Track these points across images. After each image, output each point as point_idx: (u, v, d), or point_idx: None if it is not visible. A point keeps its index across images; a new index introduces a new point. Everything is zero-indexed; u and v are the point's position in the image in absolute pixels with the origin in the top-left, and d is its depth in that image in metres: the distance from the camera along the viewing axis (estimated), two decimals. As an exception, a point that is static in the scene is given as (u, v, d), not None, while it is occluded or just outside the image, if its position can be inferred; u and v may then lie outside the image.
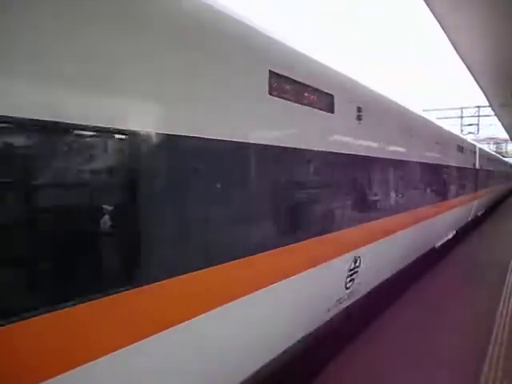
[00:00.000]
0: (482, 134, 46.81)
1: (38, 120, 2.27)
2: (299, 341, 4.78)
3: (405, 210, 8.30)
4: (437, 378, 5.45)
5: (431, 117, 12.80)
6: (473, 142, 19.39)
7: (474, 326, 7.18)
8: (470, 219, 18.08)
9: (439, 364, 5.78)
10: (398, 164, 8.09)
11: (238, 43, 3.80)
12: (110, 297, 2.63)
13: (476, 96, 23.88)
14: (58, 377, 2.33)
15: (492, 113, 28.32)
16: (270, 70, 3.96)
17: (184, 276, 3.16)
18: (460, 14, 9.97)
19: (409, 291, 9.28)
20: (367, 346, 6.35)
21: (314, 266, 4.66)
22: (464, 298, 8.68)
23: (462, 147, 14.94)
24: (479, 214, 21.29)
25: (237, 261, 3.64)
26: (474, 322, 7.37)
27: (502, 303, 8.32)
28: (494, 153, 35.60)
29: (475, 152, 18.40)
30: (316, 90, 4.68)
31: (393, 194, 7.94)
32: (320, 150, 4.86)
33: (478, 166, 18.75)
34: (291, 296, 4.39)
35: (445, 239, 13.13)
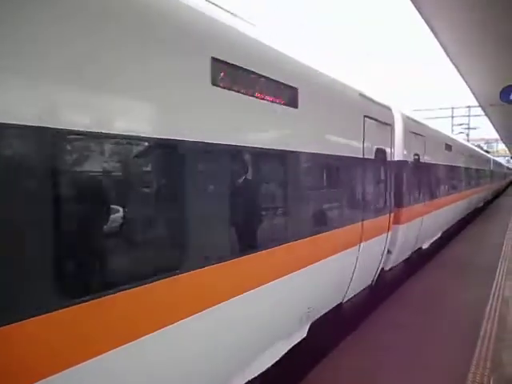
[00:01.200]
0: (474, 134, 47.22)
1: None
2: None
3: None
4: (426, 373, 5.50)
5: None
6: (377, 100, 7.78)
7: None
8: (389, 267, 8.74)
9: (428, 359, 5.84)
10: None
11: None
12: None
13: (467, 96, 22.79)
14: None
15: (483, 113, 28.54)
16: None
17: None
18: (447, 15, 10.07)
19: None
20: (356, 346, 6.37)
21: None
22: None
23: (314, 103, 5.37)
24: (426, 246, 11.93)
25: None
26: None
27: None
28: (463, 141, 24.02)
29: (390, 125, 8.19)
30: None
31: None
32: None
33: (401, 155, 8.97)
34: None
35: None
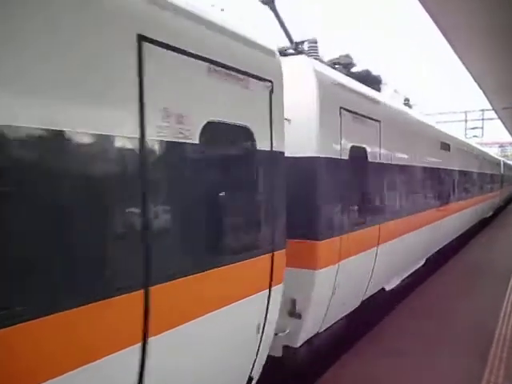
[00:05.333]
0: (488, 138, 46.52)
1: None
2: None
3: None
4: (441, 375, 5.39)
5: None
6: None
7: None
8: None
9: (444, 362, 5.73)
10: None
11: None
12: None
13: (481, 99, 21.98)
14: None
15: (496, 116, 28.18)
16: None
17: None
18: (458, 18, 9.96)
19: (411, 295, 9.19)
20: (367, 352, 6.28)
21: None
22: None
23: None
24: None
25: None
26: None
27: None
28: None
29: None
30: None
31: None
32: None
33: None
34: None
35: None
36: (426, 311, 8.09)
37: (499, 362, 5.81)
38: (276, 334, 4.43)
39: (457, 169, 13.39)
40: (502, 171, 28.24)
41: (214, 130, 3.37)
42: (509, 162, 39.07)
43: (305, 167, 5.21)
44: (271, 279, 4.05)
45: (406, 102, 11.30)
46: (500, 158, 30.29)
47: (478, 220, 18.99)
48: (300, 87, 5.21)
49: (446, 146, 11.97)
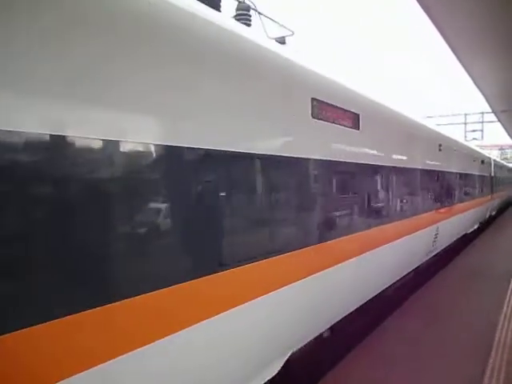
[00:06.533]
0: (488, 141, 46.53)
1: None
2: None
3: None
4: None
5: None
6: None
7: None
8: None
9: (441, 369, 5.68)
10: None
11: None
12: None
13: (481, 101, 21.05)
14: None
15: (496, 119, 28.17)
16: None
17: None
18: (457, 20, 9.94)
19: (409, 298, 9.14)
20: (365, 358, 6.23)
21: None
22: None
23: None
24: None
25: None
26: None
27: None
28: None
29: None
30: None
31: None
32: None
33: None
34: None
35: None
36: (424, 315, 8.04)
37: (499, 367, 5.75)
38: None
39: (398, 166, 7.95)
40: (492, 173, 22.73)
41: None
42: (501, 161, 34.09)
43: None
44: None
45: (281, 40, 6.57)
46: (490, 156, 24.21)
47: (450, 242, 13.65)
48: None
49: (371, 121, 6.42)
